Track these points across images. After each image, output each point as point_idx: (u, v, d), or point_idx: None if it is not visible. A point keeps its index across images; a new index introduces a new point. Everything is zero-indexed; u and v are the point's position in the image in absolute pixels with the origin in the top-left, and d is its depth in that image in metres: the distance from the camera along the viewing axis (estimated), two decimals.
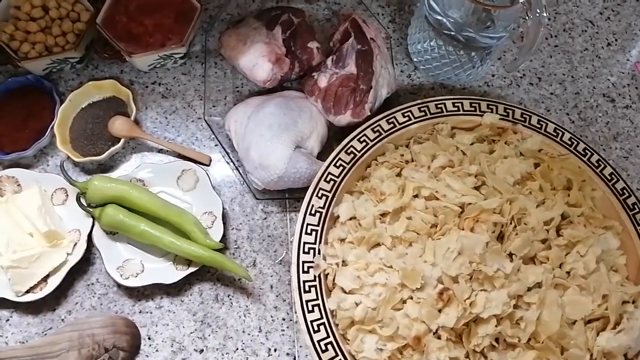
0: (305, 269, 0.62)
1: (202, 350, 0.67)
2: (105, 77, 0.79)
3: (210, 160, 0.76)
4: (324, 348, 0.59)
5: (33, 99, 0.76)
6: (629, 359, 0.62)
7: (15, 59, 0.73)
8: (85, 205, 0.69)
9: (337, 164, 0.68)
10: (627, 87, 0.87)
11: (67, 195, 0.71)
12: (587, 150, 0.71)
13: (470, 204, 0.64)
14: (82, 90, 0.76)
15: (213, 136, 0.76)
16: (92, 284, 0.69)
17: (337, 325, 0.61)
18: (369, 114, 0.72)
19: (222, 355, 0.66)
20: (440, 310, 0.59)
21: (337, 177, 0.67)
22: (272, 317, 0.69)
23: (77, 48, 0.74)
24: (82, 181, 0.70)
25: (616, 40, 0.90)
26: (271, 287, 0.70)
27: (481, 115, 0.72)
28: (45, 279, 0.66)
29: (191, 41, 0.79)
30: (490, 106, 0.72)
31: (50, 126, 0.73)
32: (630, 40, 0.90)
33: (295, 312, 0.61)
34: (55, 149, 0.74)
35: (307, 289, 0.61)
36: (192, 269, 0.67)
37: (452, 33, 0.73)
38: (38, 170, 0.74)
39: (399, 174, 0.68)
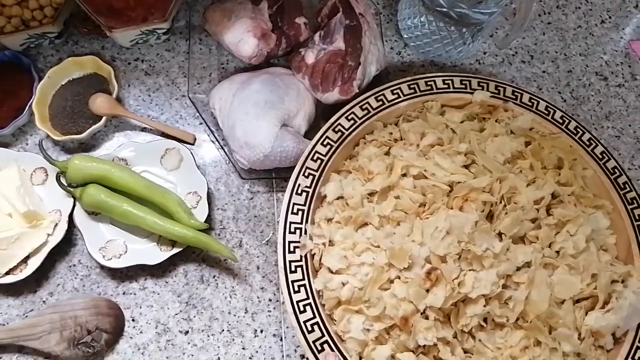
0: (292, 249, 0.61)
1: (187, 332, 0.66)
2: (86, 53, 0.77)
3: (195, 139, 0.74)
4: (310, 329, 0.58)
5: (10, 76, 0.73)
6: (617, 338, 0.61)
7: None
8: (66, 185, 0.67)
9: (325, 143, 0.66)
10: (620, 65, 0.85)
11: (47, 174, 0.69)
12: (578, 129, 0.70)
13: (459, 182, 0.63)
14: (61, 67, 0.73)
15: (197, 114, 0.74)
16: (74, 265, 0.68)
17: (323, 305, 0.60)
18: (357, 91, 0.70)
19: (208, 336, 0.66)
20: (428, 290, 0.58)
21: (324, 155, 0.66)
22: (258, 298, 0.68)
23: (55, 22, 0.72)
24: (62, 160, 0.68)
25: (610, 17, 0.89)
26: (257, 268, 0.69)
27: (472, 93, 0.70)
28: (25, 260, 0.65)
29: (174, 16, 0.76)
30: (481, 83, 0.71)
31: (29, 104, 0.71)
32: (625, 17, 0.89)
33: (282, 293, 0.60)
34: (34, 127, 0.72)
35: (293, 269, 0.60)
36: (176, 250, 0.66)
37: (444, 9, 0.71)
38: (16, 149, 0.72)
39: (387, 153, 0.67)
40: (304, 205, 0.63)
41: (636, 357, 0.60)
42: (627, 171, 0.69)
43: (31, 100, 0.71)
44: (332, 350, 0.58)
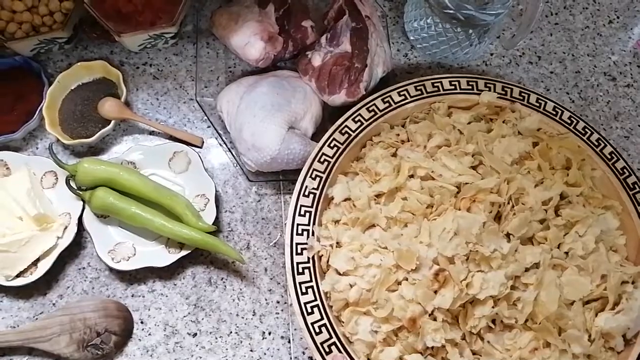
0: (299, 251, 0.61)
1: (195, 334, 0.66)
2: (95, 58, 0.77)
3: (203, 142, 0.74)
4: (317, 330, 0.58)
5: (21, 81, 0.74)
6: (627, 339, 0.61)
7: (2, 40, 0.71)
8: (75, 188, 0.68)
9: (331, 145, 0.66)
10: (629, 65, 0.85)
11: (57, 178, 0.70)
12: (586, 129, 0.70)
13: (466, 183, 0.63)
14: (71, 72, 0.74)
15: (205, 117, 0.75)
16: (84, 267, 0.68)
17: (331, 307, 0.60)
18: (364, 93, 0.70)
19: (216, 338, 0.66)
20: (435, 292, 0.58)
21: (331, 157, 0.66)
22: (266, 300, 0.68)
23: (65, 28, 0.73)
24: (72, 164, 0.68)
25: (618, 17, 0.88)
26: (265, 270, 0.69)
27: (478, 94, 0.70)
28: (35, 263, 0.65)
29: (182, 21, 0.77)
30: (488, 84, 0.71)
31: (39, 108, 0.72)
32: (633, 17, 0.88)
33: (289, 295, 0.60)
34: (44, 131, 0.72)
35: (300, 270, 0.60)
36: (184, 252, 0.66)
37: (451, 11, 0.71)
38: (27, 153, 0.72)
39: (394, 154, 0.67)
40: (311, 207, 0.63)
41: None
42: (636, 171, 0.68)
43: (41, 105, 0.72)
44: (340, 352, 0.58)
